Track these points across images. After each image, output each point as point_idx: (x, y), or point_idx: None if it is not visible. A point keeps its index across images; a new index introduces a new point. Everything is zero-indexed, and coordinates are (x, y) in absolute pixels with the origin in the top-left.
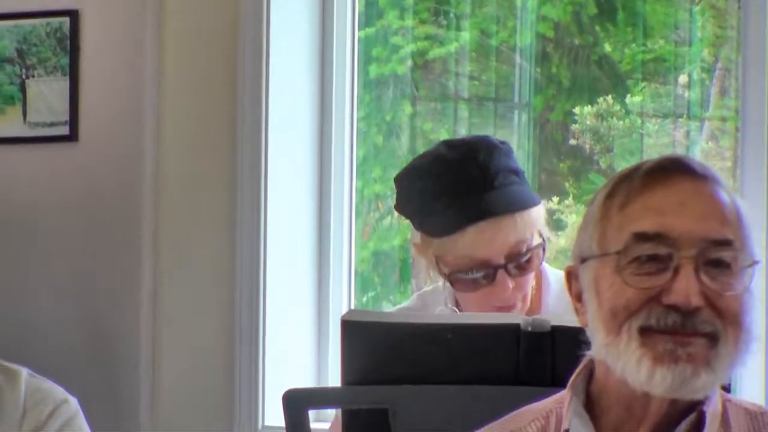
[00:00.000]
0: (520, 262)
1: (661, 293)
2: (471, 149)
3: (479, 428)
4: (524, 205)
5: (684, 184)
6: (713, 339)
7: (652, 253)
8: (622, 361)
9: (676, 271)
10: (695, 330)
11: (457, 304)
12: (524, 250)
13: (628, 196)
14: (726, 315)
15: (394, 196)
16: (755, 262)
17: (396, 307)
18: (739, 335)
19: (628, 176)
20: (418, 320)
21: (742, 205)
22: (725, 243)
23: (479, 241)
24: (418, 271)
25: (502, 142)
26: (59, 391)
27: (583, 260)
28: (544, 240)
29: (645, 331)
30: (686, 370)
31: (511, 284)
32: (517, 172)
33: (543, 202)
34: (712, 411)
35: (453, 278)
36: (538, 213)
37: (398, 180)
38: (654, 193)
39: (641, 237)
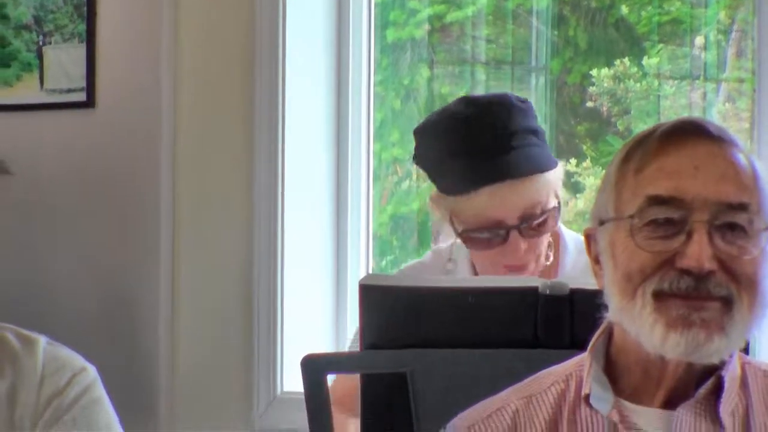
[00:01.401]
0: (533, 223)
1: (674, 257)
2: (489, 108)
3: (498, 391)
4: (541, 167)
5: (699, 147)
6: (727, 303)
7: (666, 217)
8: (637, 325)
9: (690, 235)
10: (709, 294)
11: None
12: (539, 212)
13: (643, 159)
14: (741, 279)
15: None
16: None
17: (411, 262)
18: (755, 299)
19: (643, 140)
20: (436, 284)
21: (761, 168)
22: (740, 206)
23: (493, 202)
24: (438, 232)
25: (522, 101)
26: (77, 359)
27: (601, 223)
28: (559, 202)
29: (659, 295)
30: (699, 334)
31: (523, 245)
32: (535, 132)
33: (561, 162)
34: (731, 375)
35: (466, 236)
36: (555, 175)
37: (416, 133)
38: (668, 157)
39: (655, 200)
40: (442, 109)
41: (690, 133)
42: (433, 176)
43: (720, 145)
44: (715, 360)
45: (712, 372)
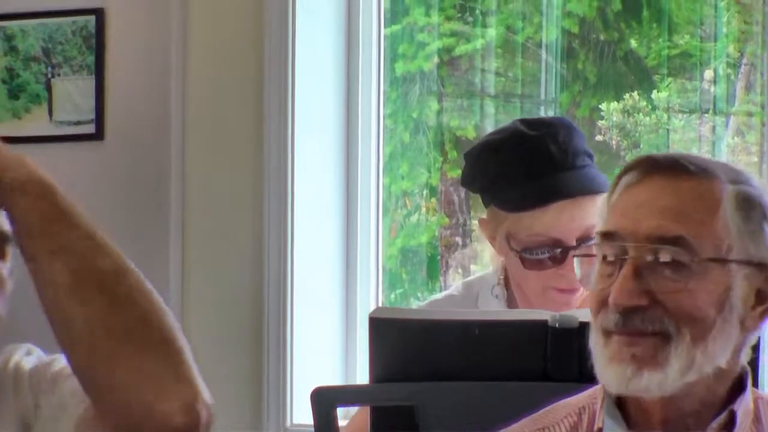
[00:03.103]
0: (589, 245)
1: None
2: (551, 128)
3: (507, 425)
4: (600, 187)
5: (654, 182)
6: (666, 338)
7: (607, 253)
8: (595, 357)
9: (620, 272)
10: (639, 329)
11: (507, 288)
12: (593, 234)
13: (612, 195)
14: (676, 313)
15: (463, 171)
16: (722, 259)
17: (441, 294)
18: (699, 333)
19: (619, 175)
20: (446, 317)
21: (742, 200)
22: (675, 240)
23: (559, 220)
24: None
25: (576, 126)
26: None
27: None
28: None
29: (605, 332)
30: (627, 369)
31: None
32: (591, 156)
33: None
34: (744, 410)
35: (523, 256)
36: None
37: (471, 154)
38: (623, 194)
39: (601, 236)
40: (499, 129)
41: (652, 168)
42: (491, 194)
43: (678, 178)
44: (654, 394)
45: (725, 407)
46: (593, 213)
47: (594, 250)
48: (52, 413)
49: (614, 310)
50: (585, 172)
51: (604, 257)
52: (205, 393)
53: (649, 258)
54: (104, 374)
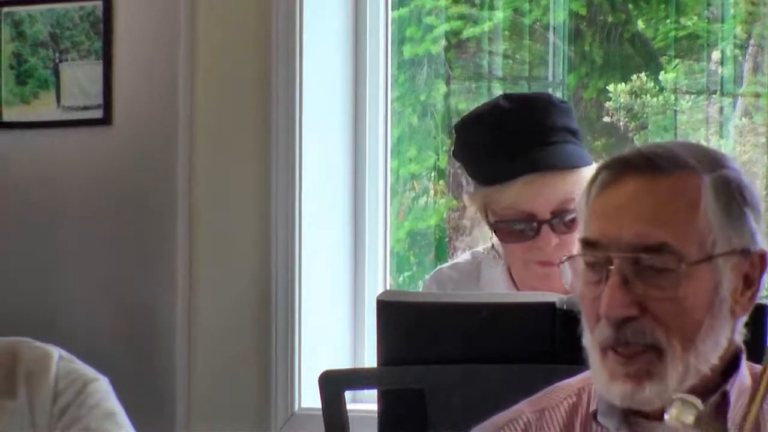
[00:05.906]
0: (566, 219)
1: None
2: (529, 103)
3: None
4: (575, 163)
5: (630, 183)
6: (657, 351)
7: (592, 261)
8: (594, 372)
9: (607, 281)
10: (630, 343)
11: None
12: (572, 207)
13: (590, 196)
14: (666, 321)
15: (453, 143)
16: (709, 257)
17: (451, 261)
18: (690, 338)
19: (597, 173)
20: (453, 300)
21: (723, 193)
22: (657, 247)
23: (525, 193)
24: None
25: (563, 102)
26: (89, 371)
27: None
28: None
29: (602, 348)
30: (627, 387)
31: (555, 240)
32: (573, 132)
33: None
34: (739, 387)
35: (498, 227)
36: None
37: (456, 128)
38: (602, 196)
39: (584, 243)
40: (484, 104)
41: (626, 168)
42: (471, 168)
43: (656, 178)
44: (657, 405)
45: (718, 386)
46: (566, 188)
47: (578, 255)
48: None
49: (606, 324)
50: (559, 147)
51: (588, 262)
52: None
53: (634, 265)
54: None
